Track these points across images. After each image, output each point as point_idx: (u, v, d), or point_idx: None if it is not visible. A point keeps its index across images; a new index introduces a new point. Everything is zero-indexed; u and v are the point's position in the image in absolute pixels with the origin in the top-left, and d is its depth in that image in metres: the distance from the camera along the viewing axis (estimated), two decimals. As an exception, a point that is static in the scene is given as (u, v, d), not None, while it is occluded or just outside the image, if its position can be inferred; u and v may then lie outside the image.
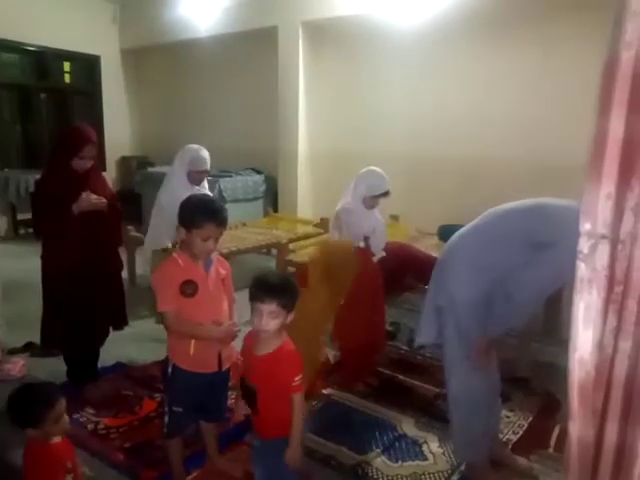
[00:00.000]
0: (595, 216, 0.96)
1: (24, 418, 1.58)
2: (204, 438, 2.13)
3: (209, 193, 3.09)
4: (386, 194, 2.90)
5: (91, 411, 2.55)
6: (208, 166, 3.06)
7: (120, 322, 2.88)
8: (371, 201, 2.91)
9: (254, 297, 1.58)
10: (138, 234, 4.39)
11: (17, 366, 2.94)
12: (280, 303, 1.57)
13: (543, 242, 1.75)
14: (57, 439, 1.67)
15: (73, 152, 2.49)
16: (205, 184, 3.17)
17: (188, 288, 1.83)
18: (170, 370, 1.93)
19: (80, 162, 2.52)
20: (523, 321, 2.30)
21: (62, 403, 1.64)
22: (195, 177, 3.03)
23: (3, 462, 2.06)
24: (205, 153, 3.04)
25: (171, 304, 1.83)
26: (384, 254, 2.97)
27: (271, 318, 1.56)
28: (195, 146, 3.06)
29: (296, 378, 1.61)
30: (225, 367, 1.97)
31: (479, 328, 1.89)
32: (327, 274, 2.64)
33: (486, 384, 2.01)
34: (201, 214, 1.82)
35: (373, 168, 2.95)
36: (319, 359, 2.74)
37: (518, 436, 2.44)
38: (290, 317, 1.63)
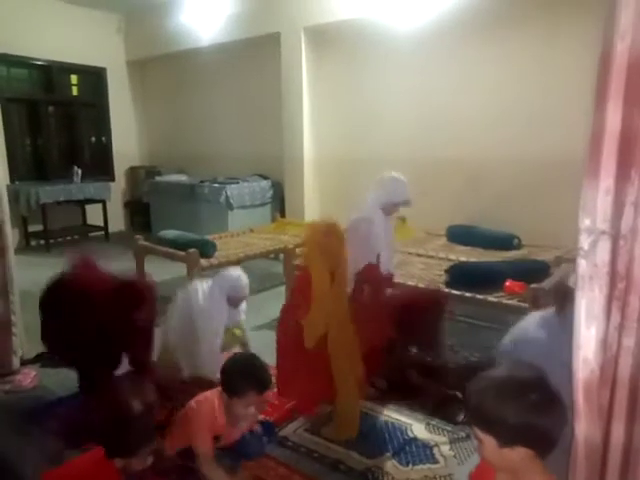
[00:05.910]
0: (594, 211, 0.94)
1: (121, 446, 1.58)
2: None
3: (244, 314, 3.06)
4: (407, 203, 2.74)
5: (101, 420, 2.55)
6: (248, 291, 2.92)
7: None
8: (392, 209, 2.75)
9: None
10: (146, 243, 4.41)
11: (28, 377, 2.97)
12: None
13: None
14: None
15: None
16: (243, 305, 3.04)
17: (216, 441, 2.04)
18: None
19: None
20: None
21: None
22: (235, 301, 2.91)
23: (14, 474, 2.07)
24: (245, 280, 2.88)
25: (209, 446, 1.99)
26: (392, 272, 2.81)
27: None
28: (234, 273, 2.90)
29: None
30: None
31: None
32: (324, 256, 2.38)
33: None
34: (244, 382, 1.93)
35: (394, 174, 2.80)
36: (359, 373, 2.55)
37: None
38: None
